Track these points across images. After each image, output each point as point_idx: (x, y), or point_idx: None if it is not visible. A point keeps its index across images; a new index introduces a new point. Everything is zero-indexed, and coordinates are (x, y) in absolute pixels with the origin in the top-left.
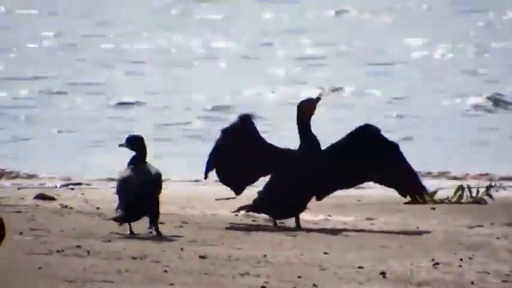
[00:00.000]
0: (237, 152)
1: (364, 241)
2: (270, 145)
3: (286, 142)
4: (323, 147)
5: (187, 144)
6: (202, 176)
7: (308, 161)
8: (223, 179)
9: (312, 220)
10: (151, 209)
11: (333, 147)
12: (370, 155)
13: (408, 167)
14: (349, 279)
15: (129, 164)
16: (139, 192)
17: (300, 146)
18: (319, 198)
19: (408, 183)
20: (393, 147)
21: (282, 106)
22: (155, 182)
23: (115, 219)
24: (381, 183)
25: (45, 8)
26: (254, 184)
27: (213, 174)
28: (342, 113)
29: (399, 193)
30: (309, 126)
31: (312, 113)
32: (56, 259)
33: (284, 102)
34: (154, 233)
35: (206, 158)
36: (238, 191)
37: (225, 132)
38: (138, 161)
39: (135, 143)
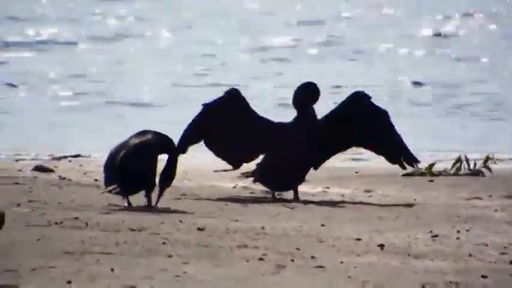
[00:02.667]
0: (229, 127)
1: (362, 213)
2: (264, 119)
3: None
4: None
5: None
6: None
7: (305, 133)
8: (218, 154)
9: (310, 192)
10: (142, 182)
11: (328, 117)
12: (359, 121)
13: (396, 134)
14: (347, 251)
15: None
16: (125, 166)
17: (297, 118)
18: (315, 168)
19: (396, 151)
20: (382, 114)
21: None
22: (144, 153)
23: (111, 192)
24: (369, 149)
25: None
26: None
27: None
28: None
29: (387, 160)
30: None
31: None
32: (54, 231)
33: None
34: (154, 204)
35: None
36: (235, 165)
37: (208, 106)
38: (141, 132)
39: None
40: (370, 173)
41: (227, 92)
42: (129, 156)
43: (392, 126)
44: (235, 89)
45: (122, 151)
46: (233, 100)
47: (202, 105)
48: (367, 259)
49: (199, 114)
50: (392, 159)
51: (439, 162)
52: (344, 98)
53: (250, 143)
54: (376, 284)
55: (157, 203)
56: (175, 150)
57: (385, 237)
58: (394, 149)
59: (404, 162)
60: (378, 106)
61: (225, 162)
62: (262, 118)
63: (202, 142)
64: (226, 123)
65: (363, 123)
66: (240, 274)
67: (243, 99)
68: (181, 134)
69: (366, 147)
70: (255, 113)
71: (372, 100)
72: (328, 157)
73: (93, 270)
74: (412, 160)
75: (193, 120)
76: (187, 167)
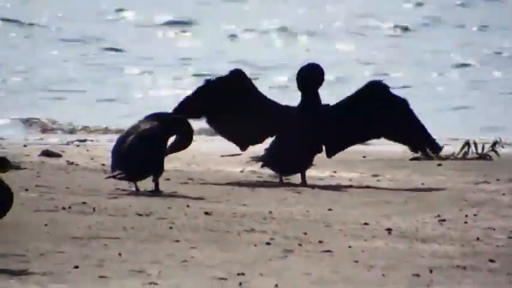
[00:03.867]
0: (236, 108)
1: (370, 197)
2: (271, 101)
3: None
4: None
5: None
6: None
7: (310, 117)
8: (226, 135)
9: (318, 176)
10: (150, 168)
11: (341, 104)
12: (379, 111)
13: (418, 122)
14: (355, 236)
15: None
16: (132, 153)
17: (302, 102)
18: (329, 156)
19: (419, 139)
20: (402, 102)
21: None
22: (151, 139)
23: (115, 177)
24: (392, 140)
25: None
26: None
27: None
28: None
29: (410, 149)
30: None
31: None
32: (62, 216)
33: None
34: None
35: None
36: (242, 146)
37: (209, 82)
38: (151, 115)
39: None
40: (378, 157)
41: (231, 72)
42: (137, 142)
43: (413, 114)
44: (239, 69)
45: (130, 137)
46: (237, 80)
47: (204, 80)
48: (375, 243)
49: (198, 88)
50: (415, 147)
51: (447, 145)
52: (360, 87)
53: (257, 126)
54: (383, 268)
55: (157, 187)
56: (184, 132)
57: (392, 222)
58: (417, 137)
59: (428, 150)
60: (396, 95)
61: (232, 144)
62: (268, 100)
63: (205, 121)
64: (230, 103)
65: (382, 113)
66: (247, 258)
67: (248, 79)
68: (178, 103)
69: (387, 138)
70: (261, 94)
71: (389, 89)
72: (345, 146)
73: (101, 255)
74: (436, 148)
75: (191, 94)
76: (195, 152)
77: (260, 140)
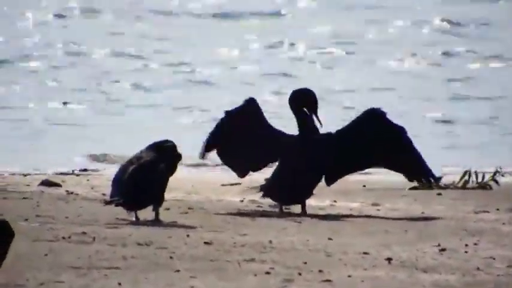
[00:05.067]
0: (242, 135)
1: (370, 227)
2: (276, 130)
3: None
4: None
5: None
6: (199, 156)
7: (313, 146)
8: (227, 161)
9: (318, 206)
10: (151, 197)
11: (340, 132)
12: (377, 139)
13: (415, 151)
14: (355, 265)
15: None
16: (132, 181)
17: (302, 132)
18: (328, 184)
19: (415, 168)
20: (400, 131)
21: None
22: (152, 168)
23: (112, 203)
24: (388, 168)
25: None
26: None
27: (213, 157)
28: None
29: (406, 178)
30: (305, 114)
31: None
32: (62, 246)
33: None
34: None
35: (206, 137)
36: (242, 174)
37: (230, 114)
38: (152, 145)
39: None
40: (378, 186)
41: (246, 101)
42: (138, 171)
43: (411, 142)
44: (253, 99)
45: (132, 166)
46: (249, 108)
47: (224, 112)
48: (375, 273)
49: (221, 121)
50: (412, 176)
51: (447, 175)
52: (358, 114)
53: (258, 153)
54: None
55: (157, 216)
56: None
57: (392, 251)
58: (414, 166)
59: (424, 180)
60: (394, 123)
61: (231, 173)
62: (273, 129)
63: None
64: (238, 130)
65: (380, 141)
66: None
67: (259, 108)
68: (204, 140)
69: (385, 166)
70: (267, 123)
71: (387, 117)
72: (344, 174)
73: (101, 285)
74: (433, 178)
75: (215, 127)
76: (195, 181)
77: (259, 167)
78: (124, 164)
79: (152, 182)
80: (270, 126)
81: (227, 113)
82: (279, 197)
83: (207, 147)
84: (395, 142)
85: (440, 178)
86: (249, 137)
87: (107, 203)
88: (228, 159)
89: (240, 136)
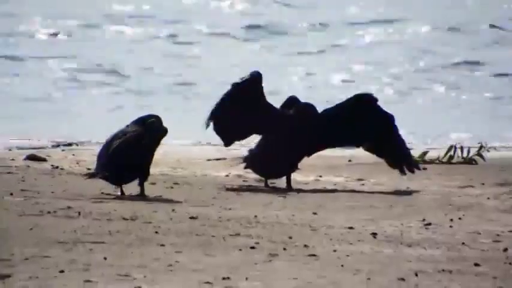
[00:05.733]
0: (238, 106)
1: (355, 202)
2: (268, 105)
3: None
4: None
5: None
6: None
7: (300, 122)
8: (217, 128)
9: (303, 181)
10: (137, 172)
11: (329, 111)
12: (365, 122)
13: (400, 139)
14: (340, 240)
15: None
16: (116, 155)
17: (294, 108)
18: (308, 155)
19: (398, 156)
20: (388, 118)
21: None
22: (137, 143)
23: (95, 177)
24: (370, 151)
25: None
26: (244, 142)
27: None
28: None
29: (387, 163)
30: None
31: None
32: (47, 220)
33: None
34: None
35: (211, 108)
36: (228, 142)
37: (236, 86)
38: (138, 120)
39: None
40: (363, 161)
41: (251, 74)
42: (123, 146)
43: (397, 130)
44: (258, 72)
45: (117, 140)
46: (252, 83)
47: (231, 84)
48: (360, 247)
49: (227, 92)
50: (393, 163)
51: (432, 150)
52: (350, 97)
53: (246, 122)
54: (369, 272)
55: (142, 191)
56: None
57: (377, 226)
58: (396, 154)
59: (405, 168)
60: (384, 110)
61: (219, 138)
62: (266, 104)
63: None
64: (238, 102)
65: (368, 124)
66: (232, 263)
67: (260, 82)
68: (210, 110)
69: (367, 149)
70: (264, 98)
71: (378, 103)
72: (323, 148)
73: (86, 259)
74: (413, 166)
75: (221, 98)
76: (180, 156)
77: (245, 136)
78: (109, 138)
79: (137, 157)
80: (264, 99)
81: (233, 85)
82: (261, 170)
83: (212, 117)
84: (381, 128)
85: (426, 152)
86: (242, 108)
87: (91, 175)
88: (218, 127)
89: (235, 107)
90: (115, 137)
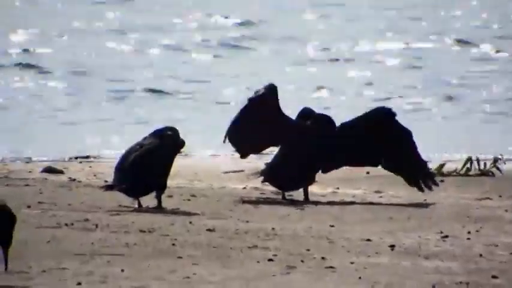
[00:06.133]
0: (253, 118)
1: (373, 214)
2: (285, 116)
3: None
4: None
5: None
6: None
7: (318, 135)
8: (233, 140)
9: (320, 193)
10: (154, 184)
11: (347, 125)
12: (383, 139)
13: (419, 156)
14: (358, 252)
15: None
16: (135, 167)
17: (311, 120)
18: (325, 171)
19: (415, 172)
20: (407, 134)
21: None
22: (155, 155)
23: (113, 189)
24: (388, 170)
25: None
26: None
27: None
28: None
29: (405, 180)
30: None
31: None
32: (64, 232)
33: None
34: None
35: (229, 123)
36: (243, 153)
37: (252, 101)
38: (155, 132)
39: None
40: (381, 173)
41: (266, 88)
42: (141, 158)
43: (415, 147)
44: (274, 85)
45: (135, 153)
46: (268, 96)
47: (247, 99)
48: (378, 260)
49: (244, 108)
50: (411, 180)
51: (449, 162)
52: (368, 111)
53: (262, 135)
54: (386, 284)
55: (159, 203)
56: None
57: (395, 238)
58: (414, 170)
59: (423, 185)
60: (402, 125)
61: (235, 150)
62: (282, 114)
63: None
64: (254, 115)
65: (387, 141)
66: (250, 275)
67: (276, 95)
68: (229, 125)
69: (385, 167)
70: (280, 110)
71: (395, 118)
72: (341, 165)
73: (104, 271)
74: (432, 183)
75: (238, 114)
76: (197, 168)
77: (261, 148)
78: (127, 150)
79: (155, 169)
80: (280, 111)
81: (250, 100)
82: (279, 183)
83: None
84: (400, 145)
85: (443, 165)
86: (258, 120)
87: (108, 187)
88: (234, 139)
89: (251, 120)
90: (132, 149)
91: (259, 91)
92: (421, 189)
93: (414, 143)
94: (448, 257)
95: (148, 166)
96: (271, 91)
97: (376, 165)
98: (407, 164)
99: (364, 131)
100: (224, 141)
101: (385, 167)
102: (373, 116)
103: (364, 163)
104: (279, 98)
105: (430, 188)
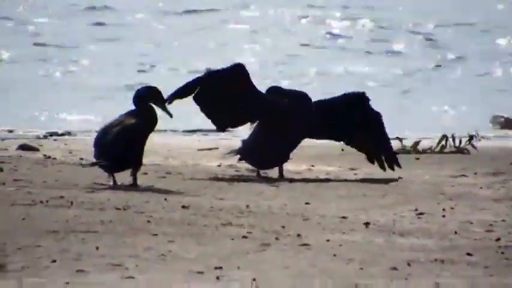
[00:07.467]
0: (226, 92)
1: (348, 191)
2: (261, 93)
3: None
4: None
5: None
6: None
7: (293, 113)
8: (207, 112)
9: (295, 170)
10: (130, 161)
11: (322, 104)
12: (354, 119)
13: (386, 136)
14: (333, 229)
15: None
16: (116, 143)
17: (289, 98)
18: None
19: (379, 150)
20: (376, 116)
21: None
22: (134, 132)
23: (98, 165)
24: (356, 148)
25: None
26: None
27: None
28: None
29: (368, 159)
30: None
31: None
32: (39, 210)
33: None
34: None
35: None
36: (221, 127)
37: (210, 74)
38: (132, 111)
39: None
40: (356, 151)
41: (232, 65)
42: (119, 135)
43: (384, 128)
44: (241, 64)
45: (114, 129)
46: (235, 72)
47: (206, 70)
48: (353, 237)
49: (199, 77)
50: (374, 158)
51: (424, 139)
52: (344, 92)
53: (240, 110)
54: (361, 261)
55: (135, 180)
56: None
57: (370, 215)
58: (378, 149)
59: (384, 163)
60: (374, 109)
61: (212, 123)
62: (258, 91)
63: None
64: (224, 88)
65: (359, 123)
66: (224, 252)
67: (247, 73)
68: (176, 89)
69: (351, 144)
70: (253, 85)
71: (368, 101)
72: (312, 138)
73: (79, 248)
74: (394, 163)
75: (192, 81)
76: (172, 146)
77: (239, 123)
78: (105, 126)
79: (131, 146)
80: (255, 89)
81: (209, 72)
82: (256, 161)
83: (176, 95)
84: (370, 126)
85: (418, 142)
86: (233, 95)
87: (92, 164)
88: (209, 111)
89: (223, 93)
90: (111, 125)
91: (224, 68)
92: (383, 168)
93: (383, 124)
94: (423, 234)
95: (126, 143)
96: (237, 68)
97: (340, 141)
98: (372, 143)
99: (337, 110)
100: (169, 102)
101: (347, 143)
102: (347, 97)
103: (330, 138)
104: (249, 74)
105: (392, 168)
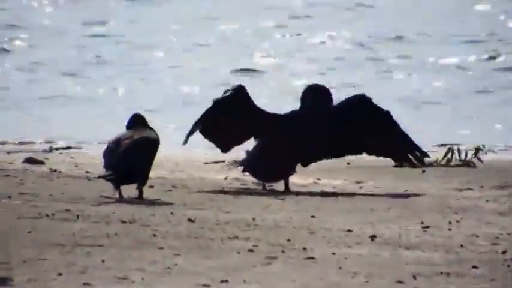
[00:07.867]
0: (228, 116)
1: (353, 204)
2: (260, 110)
3: None
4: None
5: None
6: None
7: (299, 125)
8: (210, 138)
9: (301, 183)
10: (138, 174)
11: (328, 114)
12: (364, 124)
13: (401, 131)
14: (338, 243)
15: (126, 127)
16: (126, 156)
17: (292, 110)
18: (304, 165)
19: (403, 149)
20: (385, 114)
21: None
22: (144, 146)
23: (105, 178)
24: (375, 154)
25: None
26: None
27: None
28: None
29: (395, 160)
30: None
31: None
32: (45, 223)
33: None
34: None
35: (192, 124)
36: (225, 148)
37: (217, 103)
38: (135, 124)
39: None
40: (362, 164)
41: (234, 89)
42: (130, 149)
43: (397, 124)
44: (241, 86)
45: (124, 142)
46: (236, 96)
47: (212, 101)
48: (358, 250)
49: (209, 109)
50: (399, 158)
51: (431, 153)
52: (344, 99)
53: (241, 128)
54: (367, 275)
55: (141, 194)
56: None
57: (376, 229)
58: (401, 147)
59: (412, 158)
60: (380, 107)
61: (216, 146)
62: (259, 109)
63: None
64: (227, 114)
65: (368, 125)
66: (230, 265)
67: (247, 94)
68: (191, 127)
69: (370, 152)
70: (254, 104)
71: (372, 102)
72: (321, 157)
73: (84, 262)
74: (422, 154)
75: (202, 115)
76: (178, 159)
77: (242, 141)
78: (114, 140)
79: (140, 160)
80: (255, 107)
81: (215, 102)
82: (259, 174)
83: (190, 134)
84: (381, 126)
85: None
86: (234, 116)
87: (103, 177)
88: (212, 136)
89: (225, 117)
90: (121, 139)
91: (227, 92)
92: (412, 164)
93: (394, 121)
94: (429, 247)
95: (135, 156)
96: (239, 92)
97: (361, 153)
98: (392, 143)
99: (342, 120)
100: (184, 144)
101: (369, 153)
102: (348, 103)
103: (347, 153)
104: (250, 96)
105: (422, 161)
